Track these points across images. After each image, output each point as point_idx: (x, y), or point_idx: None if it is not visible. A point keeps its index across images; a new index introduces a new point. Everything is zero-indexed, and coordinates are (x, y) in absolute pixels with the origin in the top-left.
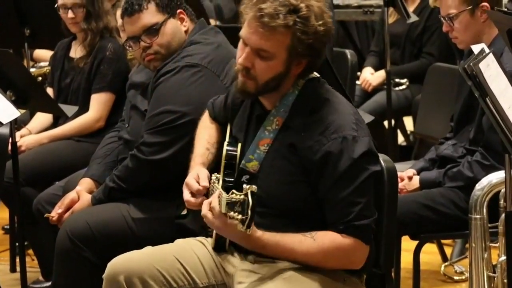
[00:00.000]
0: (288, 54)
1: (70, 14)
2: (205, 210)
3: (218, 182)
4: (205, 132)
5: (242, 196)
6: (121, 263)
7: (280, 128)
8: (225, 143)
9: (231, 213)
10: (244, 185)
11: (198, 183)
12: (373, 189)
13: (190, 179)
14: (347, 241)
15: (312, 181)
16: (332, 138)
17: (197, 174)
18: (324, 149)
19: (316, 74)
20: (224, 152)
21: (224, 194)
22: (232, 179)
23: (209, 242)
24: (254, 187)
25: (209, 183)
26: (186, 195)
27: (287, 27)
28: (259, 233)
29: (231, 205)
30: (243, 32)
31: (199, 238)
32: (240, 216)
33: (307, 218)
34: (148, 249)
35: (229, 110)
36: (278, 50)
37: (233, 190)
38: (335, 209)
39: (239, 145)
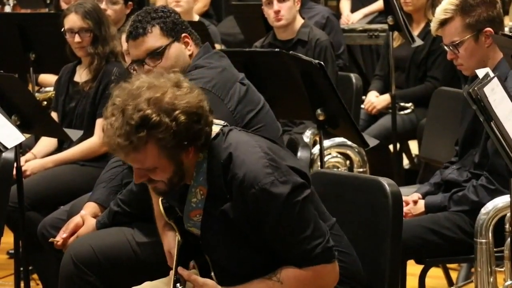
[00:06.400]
0: (165, 156)
1: (77, 38)
2: None
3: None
4: None
5: None
6: None
7: (206, 197)
8: (160, 200)
9: None
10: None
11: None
12: (311, 208)
13: (168, 261)
14: (310, 272)
15: (252, 236)
16: (251, 194)
17: (169, 252)
18: (249, 208)
19: (219, 123)
20: (162, 211)
21: None
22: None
23: None
24: None
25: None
26: None
27: (145, 143)
28: None
29: None
30: None
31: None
32: None
33: (263, 264)
34: (146, 285)
35: None
36: (154, 161)
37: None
38: (286, 253)
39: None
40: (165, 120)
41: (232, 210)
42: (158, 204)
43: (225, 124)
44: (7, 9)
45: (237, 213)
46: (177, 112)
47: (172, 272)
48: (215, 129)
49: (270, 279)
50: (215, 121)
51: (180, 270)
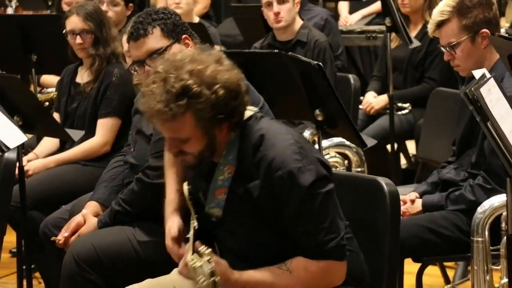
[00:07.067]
0: (201, 128)
1: (79, 39)
2: (181, 267)
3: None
4: (171, 172)
5: (201, 263)
6: None
7: (233, 176)
8: (185, 184)
9: (197, 279)
10: (202, 248)
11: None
12: (332, 203)
13: (168, 243)
14: (321, 265)
15: (272, 219)
16: (277, 176)
17: (169, 230)
18: (273, 189)
19: (252, 109)
20: (186, 194)
21: (188, 257)
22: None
23: None
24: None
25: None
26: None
27: (183, 112)
28: (236, 275)
29: (197, 269)
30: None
31: None
32: (202, 279)
33: (279, 251)
34: (147, 282)
35: None
36: (189, 131)
37: (193, 257)
38: (302, 240)
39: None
40: (205, 92)
41: (257, 190)
42: (170, 191)
43: (258, 110)
44: (9, 11)
45: (262, 194)
46: (217, 86)
47: (190, 244)
48: (249, 113)
49: (280, 267)
50: (249, 107)
51: (198, 243)
